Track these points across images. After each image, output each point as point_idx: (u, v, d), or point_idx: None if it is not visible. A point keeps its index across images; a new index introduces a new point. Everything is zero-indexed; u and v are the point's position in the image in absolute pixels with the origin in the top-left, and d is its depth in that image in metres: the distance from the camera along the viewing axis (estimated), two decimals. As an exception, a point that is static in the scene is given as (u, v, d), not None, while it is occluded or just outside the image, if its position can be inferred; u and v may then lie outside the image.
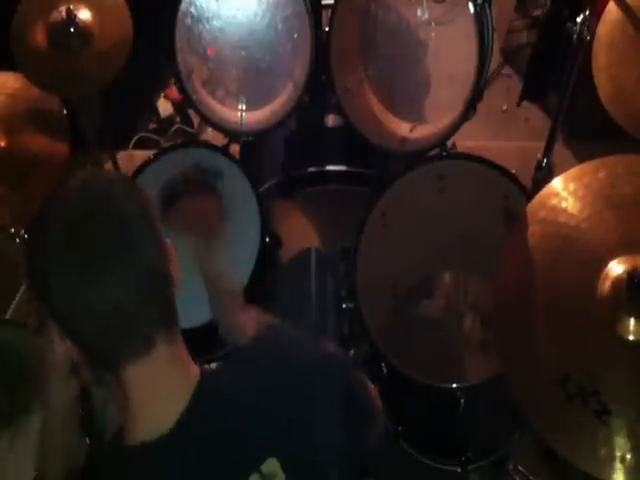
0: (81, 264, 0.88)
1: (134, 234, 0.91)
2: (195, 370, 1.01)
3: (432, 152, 2.06)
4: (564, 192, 1.43)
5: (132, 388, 0.95)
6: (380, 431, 1.26)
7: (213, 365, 2.06)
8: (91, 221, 0.89)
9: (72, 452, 1.44)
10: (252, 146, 2.28)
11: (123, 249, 0.89)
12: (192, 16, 2.07)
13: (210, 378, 1.01)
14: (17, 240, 1.97)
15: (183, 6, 2.03)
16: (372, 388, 1.26)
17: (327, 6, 2.13)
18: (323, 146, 2.36)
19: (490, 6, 1.99)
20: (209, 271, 1.61)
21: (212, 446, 0.97)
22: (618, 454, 1.23)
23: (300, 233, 2.21)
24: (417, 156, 2.05)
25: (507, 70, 3.34)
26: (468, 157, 1.94)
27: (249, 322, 1.41)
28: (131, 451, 0.95)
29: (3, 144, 2.04)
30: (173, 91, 3.16)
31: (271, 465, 0.98)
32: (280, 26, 2.09)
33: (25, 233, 1.86)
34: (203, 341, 1.97)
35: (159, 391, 0.96)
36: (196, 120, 3.24)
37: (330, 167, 2.24)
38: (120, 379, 0.95)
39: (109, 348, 0.93)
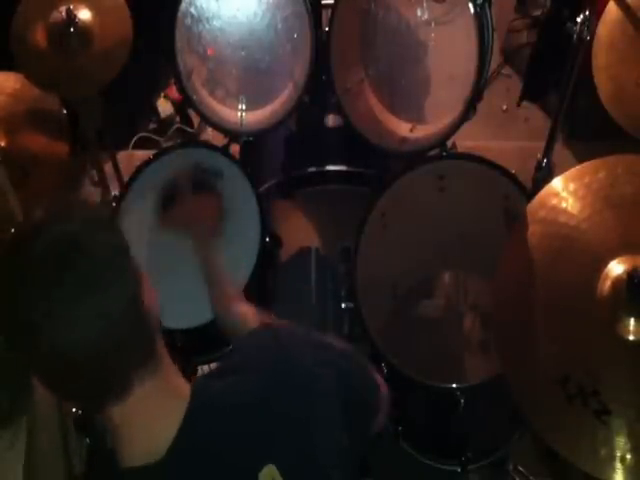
0: (53, 314, 0.84)
1: (107, 280, 0.87)
2: (185, 390, 0.99)
3: (432, 152, 2.06)
4: (564, 192, 1.43)
5: (120, 424, 0.94)
6: (385, 414, 1.24)
7: (207, 368, 2.06)
8: (57, 269, 0.85)
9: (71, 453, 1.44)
10: (252, 146, 2.27)
11: (96, 298, 0.86)
12: (192, 16, 2.06)
13: (200, 394, 1.00)
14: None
15: (183, 6, 2.03)
16: (375, 373, 1.25)
17: (327, 6, 2.13)
18: (323, 146, 2.36)
19: (490, 6, 1.99)
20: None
21: (208, 463, 0.96)
22: (618, 454, 1.23)
23: (300, 233, 2.21)
24: (417, 156, 2.04)
25: (507, 70, 3.34)
26: (468, 157, 1.94)
27: (250, 314, 1.40)
28: (127, 475, 0.95)
29: (3, 144, 2.04)
30: (173, 91, 3.15)
31: (269, 472, 0.98)
32: (280, 26, 2.09)
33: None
34: (203, 341, 1.99)
35: (148, 422, 0.95)
36: (196, 120, 3.23)
37: (330, 167, 2.24)
38: (107, 416, 0.94)
39: (91, 395, 0.92)
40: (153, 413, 0.95)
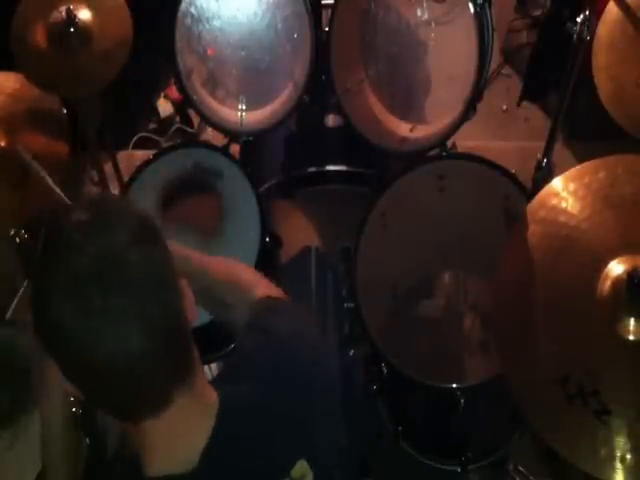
0: (93, 327, 0.83)
1: (148, 296, 0.85)
2: (213, 397, 0.98)
3: (432, 152, 2.06)
4: (564, 192, 1.43)
5: (151, 436, 0.93)
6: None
7: (207, 368, 2.05)
8: (100, 284, 0.82)
9: (74, 453, 1.43)
10: (252, 146, 2.27)
11: (128, 319, 0.84)
12: (192, 16, 2.06)
13: (228, 401, 0.98)
14: (17, 240, 1.97)
15: (183, 6, 2.03)
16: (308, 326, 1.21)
17: (327, 6, 2.13)
18: (323, 146, 2.36)
19: (490, 6, 1.99)
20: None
21: (241, 467, 0.96)
22: (618, 454, 1.23)
23: (300, 233, 2.21)
24: (417, 156, 2.05)
25: (507, 70, 3.34)
26: (468, 157, 1.94)
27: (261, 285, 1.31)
28: None
29: (3, 144, 2.04)
30: (173, 91, 3.15)
31: (301, 467, 0.99)
32: (280, 26, 2.09)
33: (25, 235, 1.84)
34: (203, 341, 1.98)
35: (180, 434, 0.93)
36: (196, 120, 3.24)
37: (330, 167, 2.24)
38: (137, 427, 0.92)
39: (126, 409, 0.91)
40: (185, 425, 0.93)
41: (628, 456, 1.23)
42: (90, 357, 0.84)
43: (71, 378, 0.89)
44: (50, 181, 1.70)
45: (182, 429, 0.93)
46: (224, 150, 2.08)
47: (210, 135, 3.02)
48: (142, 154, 2.85)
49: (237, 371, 1.09)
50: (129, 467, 0.96)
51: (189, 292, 0.95)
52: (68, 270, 0.83)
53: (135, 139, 3.19)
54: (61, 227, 0.86)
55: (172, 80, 2.75)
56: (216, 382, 1.07)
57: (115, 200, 0.98)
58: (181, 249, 1.24)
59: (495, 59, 2.67)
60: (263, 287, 1.27)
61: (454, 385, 1.80)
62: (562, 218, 1.41)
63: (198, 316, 0.98)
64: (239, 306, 1.24)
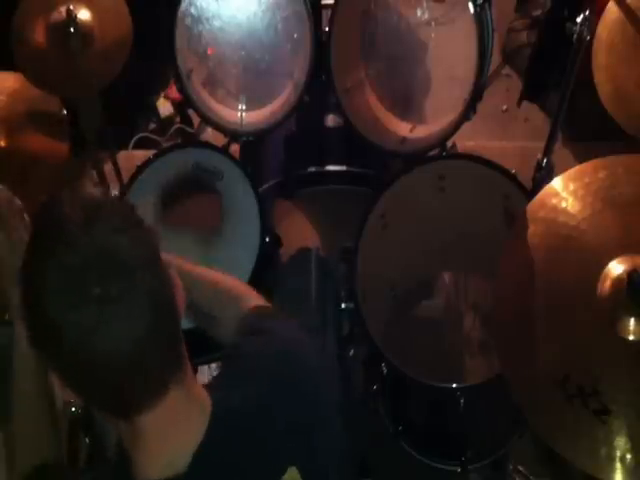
0: (92, 316, 0.82)
1: (142, 281, 0.85)
2: (206, 398, 0.98)
3: (432, 152, 2.06)
4: (564, 192, 1.43)
5: (146, 433, 0.92)
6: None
7: (207, 368, 2.04)
8: (97, 274, 0.82)
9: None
10: (252, 146, 2.28)
11: (131, 299, 0.84)
12: (192, 16, 2.06)
13: (224, 403, 0.98)
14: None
15: (183, 6, 2.03)
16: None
17: (327, 6, 2.13)
18: (323, 146, 2.36)
19: (490, 6, 1.99)
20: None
21: (231, 474, 0.96)
22: (618, 454, 1.23)
23: (300, 233, 2.21)
24: (417, 156, 2.05)
25: (507, 70, 3.34)
26: (468, 157, 1.94)
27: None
28: None
29: (3, 144, 2.04)
30: (173, 91, 3.15)
31: (291, 474, 0.98)
32: (280, 26, 2.09)
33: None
34: (203, 341, 1.98)
35: (175, 431, 0.93)
36: (196, 120, 3.23)
37: (330, 167, 2.24)
38: (132, 425, 0.91)
39: (122, 399, 0.89)
40: (178, 424, 0.93)
41: (628, 456, 1.23)
42: (92, 349, 0.83)
43: (69, 378, 0.88)
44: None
45: (175, 429, 0.93)
46: (224, 150, 2.08)
47: (210, 135, 3.01)
48: (142, 154, 2.84)
49: (236, 374, 1.08)
50: (120, 470, 0.96)
51: (179, 281, 0.95)
52: (60, 265, 0.83)
53: (135, 139, 3.19)
54: (48, 224, 0.87)
55: (172, 80, 2.75)
56: (213, 384, 1.07)
57: (99, 194, 0.98)
58: (173, 258, 1.23)
59: (495, 59, 2.67)
60: (255, 299, 1.27)
61: (454, 385, 1.80)
62: (562, 218, 1.41)
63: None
64: (226, 319, 1.24)
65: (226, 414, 0.97)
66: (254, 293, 1.30)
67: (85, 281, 0.82)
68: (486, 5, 1.96)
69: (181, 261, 1.27)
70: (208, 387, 1.00)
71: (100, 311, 0.82)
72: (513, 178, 1.89)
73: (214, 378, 1.11)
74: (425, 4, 2.01)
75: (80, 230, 0.84)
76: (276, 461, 0.99)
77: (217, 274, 1.33)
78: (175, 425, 0.93)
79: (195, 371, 1.98)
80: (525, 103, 3.12)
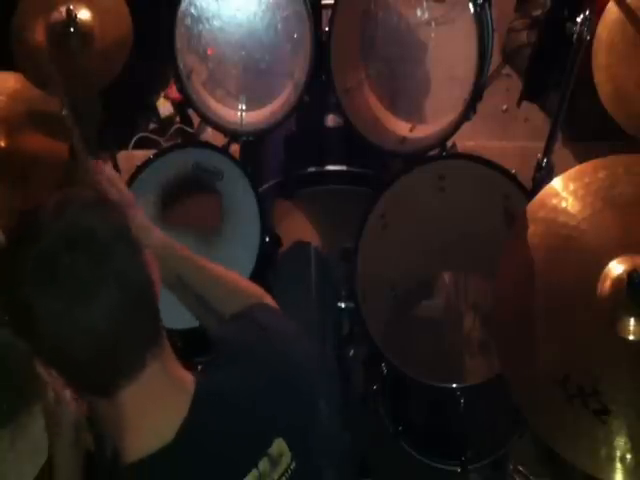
0: (65, 295, 0.85)
1: (114, 257, 0.88)
2: (189, 378, 1.00)
3: (432, 152, 2.06)
4: (564, 192, 1.43)
5: (127, 409, 0.93)
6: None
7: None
8: (68, 253, 0.86)
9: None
10: (252, 146, 2.28)
11: (105, 274, 0.87)
12: (192, 16, 2.06)
13: (205, 382, 1.00)
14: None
15: (183, 6, 2.03)
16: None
17: (327, 6, 2.13)
18: (323, 146, 2.36)
19: (490, 6, 1.99)
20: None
21: (217, 445, 0.97)
22: (618, 454, 1.23)
23: (300, 233, 2.21)
24: (417, 156, 2.05)
25: (507, 70, 3.34)
26: (468, 157, 1.94)
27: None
28: (132, 469, 0.94)
29: (3, 144, 2.04)
30: (173, 91, 3.15)
31: (279, 445, 1.00)
32: (280, 26, 2.09)
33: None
34: (203, 341, 1.98)
35: (156, 407, 0.95)
36: (196, 120, 3.23)
37: (330, 167, 2.24)
38: (113, 402, 0.93)
39: (102, 375, 0.91)
40: (161, 396, 0.95)
41: (628, 456, 1.23)
42: (67, 327, 0.86)
43: (49, 359, 0.91)
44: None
45: (154, 405, 0.94)
46: (224, 150, 2.08)
47: (210, 135, 3.01)
48: (142, 154, 2.84)
49: (225, 358, 1.10)
50: (112, 465, 0.97)
51: (154, 262, 0.96)
52: (32, 248, 0.86)
53: (135, 139, 3.19)
54: (25, 218, 0.91)
55: (172, 80, 2.75)
56: (208, 366, 1.09)
57: (74, 190, 1.00)
58: (181, 248, 1.26)
59: (495, 59, 2.67)
60: (261, 294, 1.29)
61: (454, 385, 1.80)
62: (562, 218, 1.41)
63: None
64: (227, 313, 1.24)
65: (210, 391, 0.99)
66: (261, 290, 1.31)
67: (56, 263, 0.85)
68: (486, 5, 1.96)
69: (197, 257, 1.30)
70: (196, 371, 1.02)
71: (72, 290, 0.85)
72: (513, 178, 1.89)
73: (210, 361, 1.12)
74: (425, 4, 2.01)
75: (51, 216, 0.88)
76: (263, 434, 1.01)
77: (233, 273, 1.34)
78: (154, 401, 0.94)
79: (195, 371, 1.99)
80: (525, 103, 3.11)
